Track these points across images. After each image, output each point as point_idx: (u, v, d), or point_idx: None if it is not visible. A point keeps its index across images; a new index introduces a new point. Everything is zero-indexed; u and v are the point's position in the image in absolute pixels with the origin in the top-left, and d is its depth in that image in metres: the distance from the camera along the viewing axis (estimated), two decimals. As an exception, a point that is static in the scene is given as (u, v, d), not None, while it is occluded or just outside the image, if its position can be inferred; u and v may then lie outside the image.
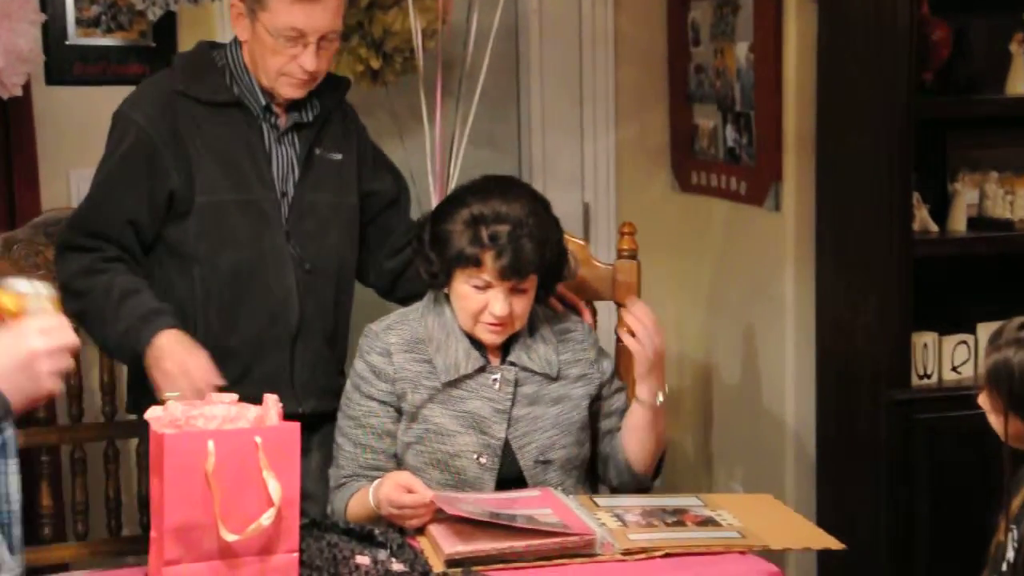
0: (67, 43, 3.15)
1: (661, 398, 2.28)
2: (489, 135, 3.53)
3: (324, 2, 2.33)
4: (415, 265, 2.35)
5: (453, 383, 2.26)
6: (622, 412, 2.39)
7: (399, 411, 2.29)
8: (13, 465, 1.86)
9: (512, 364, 2.29)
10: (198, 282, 2.41)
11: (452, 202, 2.27)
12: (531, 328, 2.32)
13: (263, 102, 2.44)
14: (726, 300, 3.49)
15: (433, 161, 2.86)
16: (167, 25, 3.16)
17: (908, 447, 2.88)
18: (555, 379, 2.31)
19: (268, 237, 2.43)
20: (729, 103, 3.37)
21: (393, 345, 2.29)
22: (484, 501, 2.10)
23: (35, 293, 1.51)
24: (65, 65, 3.14)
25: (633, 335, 2.23)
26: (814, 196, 3.14)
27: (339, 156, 2.52)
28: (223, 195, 2.40)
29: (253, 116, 2.43)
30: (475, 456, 2.25)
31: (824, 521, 3.15)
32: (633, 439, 2.33)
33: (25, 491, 2.76)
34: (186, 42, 3.10)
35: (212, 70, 2.44)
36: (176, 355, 2.25)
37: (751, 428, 3.38)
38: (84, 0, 3.13)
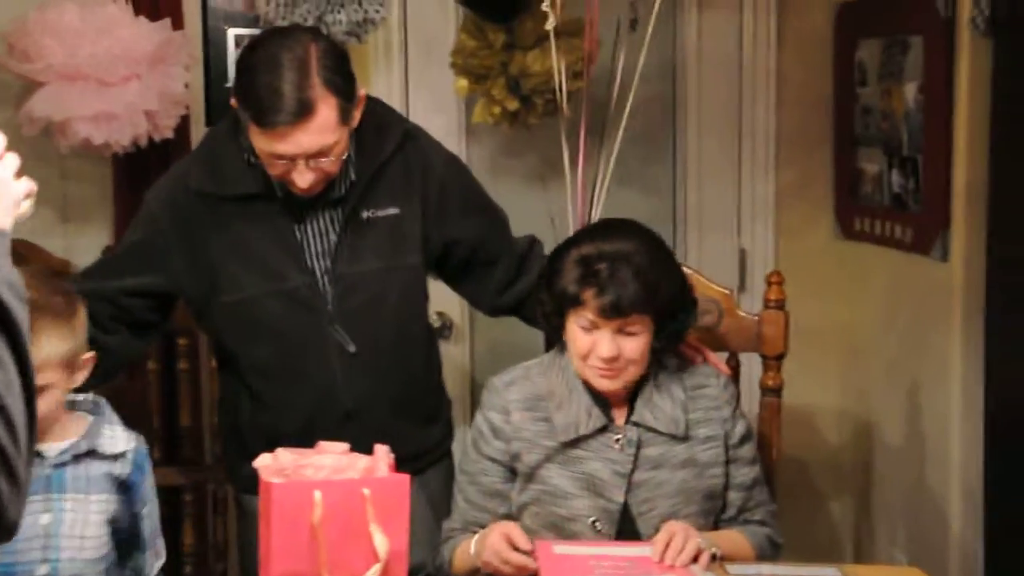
0: (227, 85, 3.21)
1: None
2: (641, 178, 3.45)
3: (301, 131, 2.14)
4: (531, 298, 2.30)
5: (573, 443, 2.18)
6: (747, 487, 2.27)
7: (513, 471, 2.23)
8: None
9: (635, 424, 2.20)
10: (239, 373, 2.38)
11: (564, 244, 2.22)
12: (658, 384, 2.22)
13: (280, 192, 2.28)
14: (888, 354, 3.31)
15: (575, 205, 2.80)
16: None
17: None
18: (683, 440, 2.20)
19: (308, 325, 2.30)
20: (896, 146, 3.20)
21: (512, 403, 2.23)
22: (603, 567, 2.01)
23: None
24: (225, 107, 3.18)
25: None
26: (985, 245, 2.95)
27: (395, 211, 2.35)
28: (250, 291, 2.29)
29: (278, 201, 2.29)
30: (591, 521, 2.16)
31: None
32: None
33: (169, 529, 2.86)
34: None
35: (233, 157, 2.30)
36: None
37: (914, 491, 3.19)
38: (244, 44, 3.18)
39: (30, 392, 1.29)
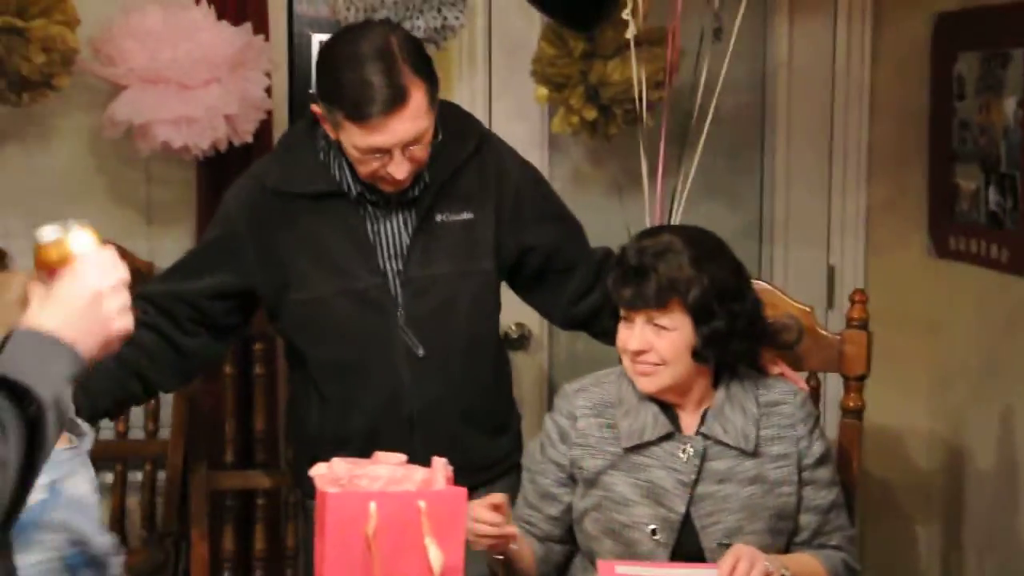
0: (311, 91, 3.22)
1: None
2: (728, 190, 3.39)
3: (397, 120, 2.14)
4: (607, 308, 2.31)
5: (637, 449, 2.15)
6: (823, 511, 2.19)
7: (572, 477, 2.20)
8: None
9: (704, 435, 2.15)
10: (308, 375, 2.36)
11: (619, 250, 2.22)
12: (731, 396, 2.17)
13: (356, 189, 2.28)
14: (983, 378, 3.19)
15: (652, 217, 2.74)
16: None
17: None
18: (752, 455, 2.15)
19: (376, 325, 2.29)
20: (993, 162, 3.09)
21: (579, 408, 2.22)
22: None
23: (73, 234, 1.41)
24: (310, 111, 3.20)
25: None
26: (1084, 268, 2.83)
27: (469, 215, 2.33)
28: (321, 290, 2.28)
29: (353, 200, 2.29)
30: (649, 529, 2.12)
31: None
32: None
33: (242, 534, 2.87)
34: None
35: (309, 155, 2.30)
36: None
37: (1006, 520, 3.07)
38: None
39: (17, 503, 1.28)
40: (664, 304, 2.09)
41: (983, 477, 3.19)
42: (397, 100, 2.14)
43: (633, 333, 2.12)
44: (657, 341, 2.11)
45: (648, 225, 2.82)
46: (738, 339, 2.15)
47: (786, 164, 3.41)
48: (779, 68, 3.40)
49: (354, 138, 2.18)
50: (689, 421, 2.18)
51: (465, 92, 3.23)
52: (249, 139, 2.88)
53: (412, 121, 2.16)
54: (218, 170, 2.98)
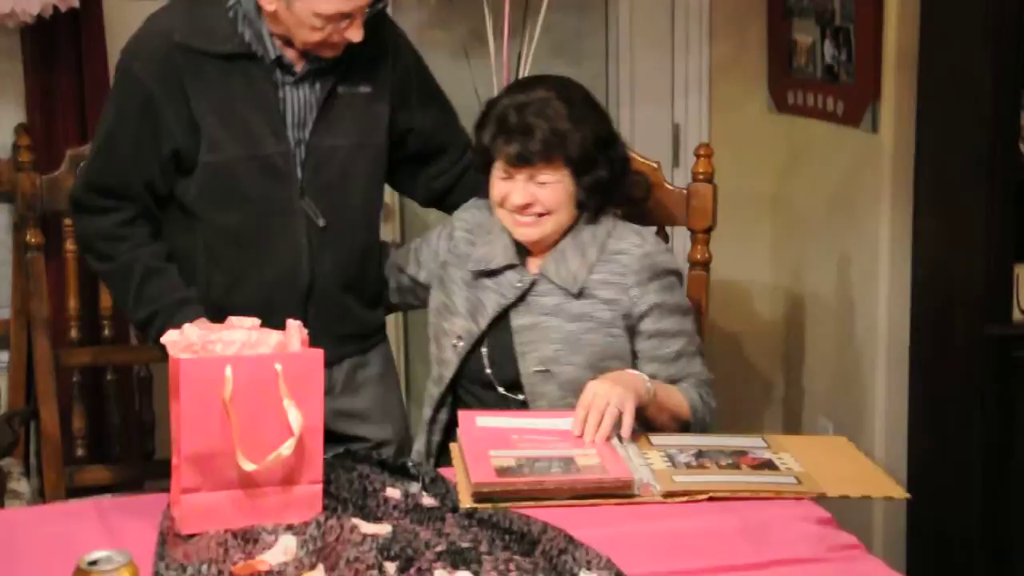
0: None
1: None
2: (573, 50, 3.39)
3: None
4: (462, 181, 2.43)
5: (484, 274, 2.27)
6: (670, 360, 2.25)
7: (431, 273, 2.37)
8: None
9: (541, 274, 2.25)
10: (201, 240, 2.30)
11: (489, 100, 2.26)
12: (577, 241, 2.25)
13: (274, 54, 2.22)
14: (820, 226, 3.31)
15: (500, 79, 2.73)
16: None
17: (1007, 385, 2.70)
18: (578, 296, 2.23)
19: (279, 194, 2.26)
20: (828, 17, 3.15)
21: (459, 221, 2.36)
22: (526, 440, 2.01)
23: (110, 567, 1.46)
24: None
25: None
26: (914, 117, 2.93)
27: (367, 89, 2.31)
28: (229, 153, 2.22)
29: (264, 64, 2.23)
30: (456, 338, 2.26)
31: (916, 460, 3.01)
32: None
33: (94, 411, 2.82)
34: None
35: (218, 13, 2.21)
36: None
37: (843, 361, 3.22)
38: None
39: None
40: (549, 160, 2.16)
41: (822, 323, 3.32)
42: None
43: (516, 187, 2.19)
44: (540, 192, 2.19)
45: (496, 86, 2.81)
46: (617, 183, 2.25)
47: (629, 24, 3.42)
48: (621, -75, 3.39)
49: (320, 6, 2.12)
50: (537, 258, 2.28)
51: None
52: (75, 4, 2.75)
53: None
54: (45, 39, 2.85)
